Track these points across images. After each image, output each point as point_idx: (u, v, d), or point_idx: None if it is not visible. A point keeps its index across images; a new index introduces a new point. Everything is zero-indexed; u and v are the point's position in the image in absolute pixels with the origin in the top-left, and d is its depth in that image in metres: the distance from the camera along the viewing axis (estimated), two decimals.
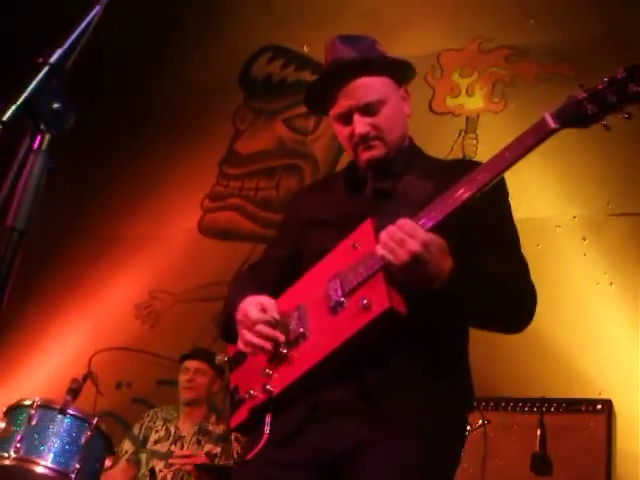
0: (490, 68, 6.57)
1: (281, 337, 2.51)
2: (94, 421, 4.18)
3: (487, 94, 6.52)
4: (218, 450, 5.03)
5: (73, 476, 3.89)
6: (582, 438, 4.86)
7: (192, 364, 5.39)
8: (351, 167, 2.83)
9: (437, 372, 2.49)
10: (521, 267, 2.61)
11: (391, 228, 2.31)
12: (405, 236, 2.27)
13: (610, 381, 5.35)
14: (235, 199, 7.00)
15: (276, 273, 2.89)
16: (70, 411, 4.09)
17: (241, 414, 2.67)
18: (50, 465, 3.92)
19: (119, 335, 6.85)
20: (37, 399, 4.16)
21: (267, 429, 2.57)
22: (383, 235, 2.32)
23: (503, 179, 2.55)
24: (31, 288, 7.07)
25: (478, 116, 6.50)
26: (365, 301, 2.36)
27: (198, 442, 5.06)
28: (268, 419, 2.58)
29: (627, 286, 5.60)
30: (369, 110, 2.64)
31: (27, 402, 4.18)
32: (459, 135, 6.47)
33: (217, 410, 5.31)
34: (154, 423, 5.25)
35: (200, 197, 7.10)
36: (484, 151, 6.35)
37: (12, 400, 5.45)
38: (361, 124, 2.64)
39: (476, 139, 6.42)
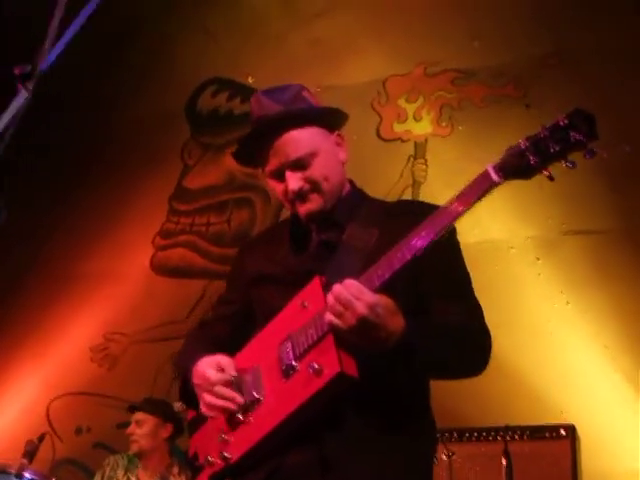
0: (436, 92, 6.57)
1: (239, 399, 2.45)
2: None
3: (434, 118, 6.52)
4: None
5: None
6: (547, 465, 4.85)
7: (133, 416, 5.33)
8: (295, 219, 2.75)
9: (397, 428, 2.44)
10: (474, 312, 2.56)
11: (337, 289, 2.25)
12: (351, 298, 2.21)
13: (572, 402, 5.35)
14: (186, 235, 6.93)
15: (227, 331, 2.82)
16: (27, 475, 3.95)
17: None
18: None
19: (76, 379, 6.75)
20: None
21: None
22: (330, 298, 2.26)
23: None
24: None
25: (426, 140, 6.49)
26: (316, 365, 2.30)
27: None
28: None
29: (584, 304, 5.60)
30: (300, 165, 2.57)
31: None
32: (408, 160, 6.46)
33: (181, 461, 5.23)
34: (115, 472, 5.14)
35: (152, 234, 7.02)
36: (434, 175, 6.35)
37: None
38: (293, 180, 2.57)
39: (425, 164, 6.42)
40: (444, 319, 2.46)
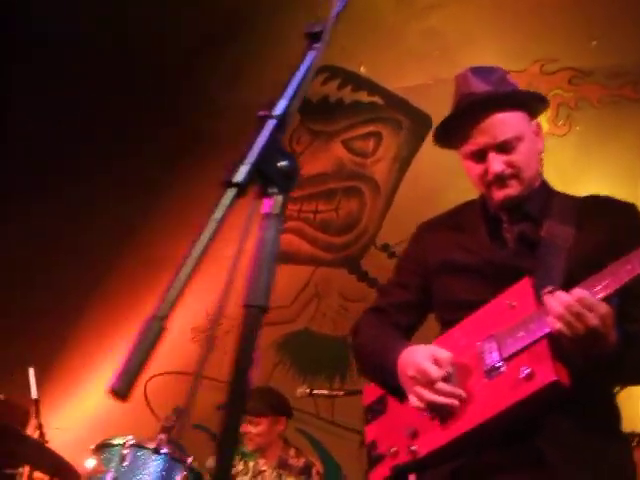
0: (553, 90, 6.47)
1: (463, 394, 2.37)
2: (189, 460, 4.04)
3: (551, 117, 6.42)
4: None
5: None
6: None
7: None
8: (483, 205, 2.70)
9: (604, 433, 2.39)
10: None
11: (567, 300, 2.19)
12: (584, 310, 2.16)
13: None
14: (294, 222, 6.89)
15: (406, 320, 2.76)
16: (164, 450, 3.94)
17: (382, 471, 2.56)
18: None
19: (175, 359, 6.72)
20: (129, 438, 4.00)
21: None
22: (557, 307, 2.19)
23: None
24: (84, 309, 7.01)
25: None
26: (527, 370, 2.24)
27: (279, 476, 4.92)
28: (412, 479, 2.49)
29: None
30: (505, 148, 2.52)
31: (118, 441, 4.02)
32: None
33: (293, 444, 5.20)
34: None
35: (258, 218, 6.98)
36: (549, 174, 6.22)
37: (70, 424, 5.37)
38: (496, 162, 2.52)
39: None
40: None
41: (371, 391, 2.81)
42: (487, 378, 2.34)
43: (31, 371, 4.96)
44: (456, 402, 2.35)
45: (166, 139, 7.45)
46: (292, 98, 1.58)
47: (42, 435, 4.88)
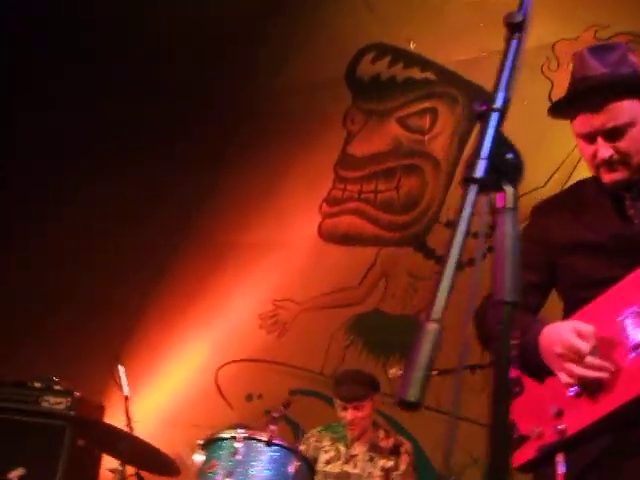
0: None
1: (613, 367, 2.37)
2: (300, 449, 4.04)
3: None
4: (391, 464, 4.91)
5: None
6: None
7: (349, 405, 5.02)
8: (600, 183, 2.69)
9: None
10: None
11: None
12: None
13: None
14: (355, 203, 6.87)
15: (535, 301, 2.77)
16: (277, 441, 3.95)
17: (527, 453, 2.55)
18: None
19: (244, 346, 6.76)
20: (240, 431, 3.99)
21: (561, 469, 2.46)
22: None
23: None
24: (150, 298, 7.02)
25: None
26: None
27: (371, 459, 4.93)
28: (559, 458, 2.47)
29: None
30: (614, 133, 2.55)
31: (228, 434, 4.02)
32: None
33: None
34: (321, 443, 5.08)
35: (318, 202, 6.97)
36: None
37: (142, 417, 5.37)
38: (604, 148, 2.56)
39: None
40: None
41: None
42: (634, 353, 2.33)
43: (121, 369, 4.97)
44: (607, 375, 2.35)
45: (216, 124, 7.43)
46: (507, 89, 1.56)
47: (132, 430, 4.90)
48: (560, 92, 6.51)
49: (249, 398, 6.64)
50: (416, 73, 6.92)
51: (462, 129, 6.62)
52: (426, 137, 6.74)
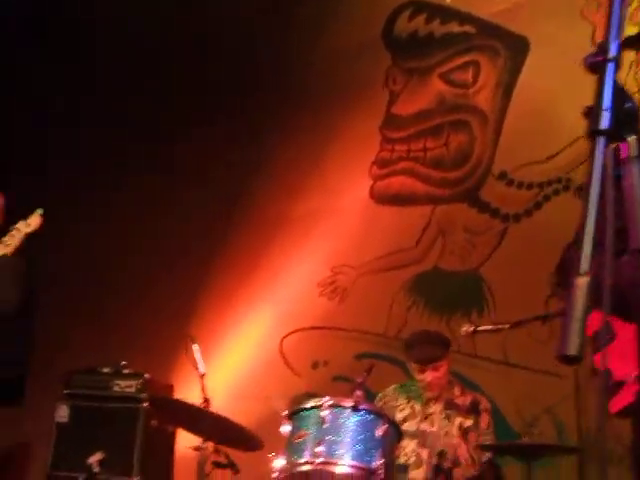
0: None
1: None
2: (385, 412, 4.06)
3: None
4: (470, 423, 4.90)
5: (381, 472, 3.76)
6: None
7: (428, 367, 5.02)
8: None
9: None
10: None
11: None
12: None
13: None
14: (404, 162, 6.83)
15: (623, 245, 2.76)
16: (363, 406, 3.97)
17: (624, 398, 2.57)
18: (354, 464, 3.78)
19: (306, 315, 6.79)
20: (326, 399, 4.01)
21: None
22: None
23: None
24: (210, 274, 7.06)
25: None
26: None
27: (447, 417, 4.93)
28: None
29: None
30: None
31: (313, 403, 4.04)
32: (630, 67, 6.22)
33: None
34: (396, 401, 5.09)
35: (367, 165, 6.95)
36: None
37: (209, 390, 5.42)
38: None
39: None
40: None
41: (595, 319, 2.79)
42: None
43: (196, 347, 5.01)
44: None
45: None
46: (619, 37, 1.55)
47: (209, 407, 4.95)
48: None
49: (315, 365, 6.68)
50: (454, 27, 6.86)
51: (506, 80, 6.56)
52: (470, 90, 6.69)
